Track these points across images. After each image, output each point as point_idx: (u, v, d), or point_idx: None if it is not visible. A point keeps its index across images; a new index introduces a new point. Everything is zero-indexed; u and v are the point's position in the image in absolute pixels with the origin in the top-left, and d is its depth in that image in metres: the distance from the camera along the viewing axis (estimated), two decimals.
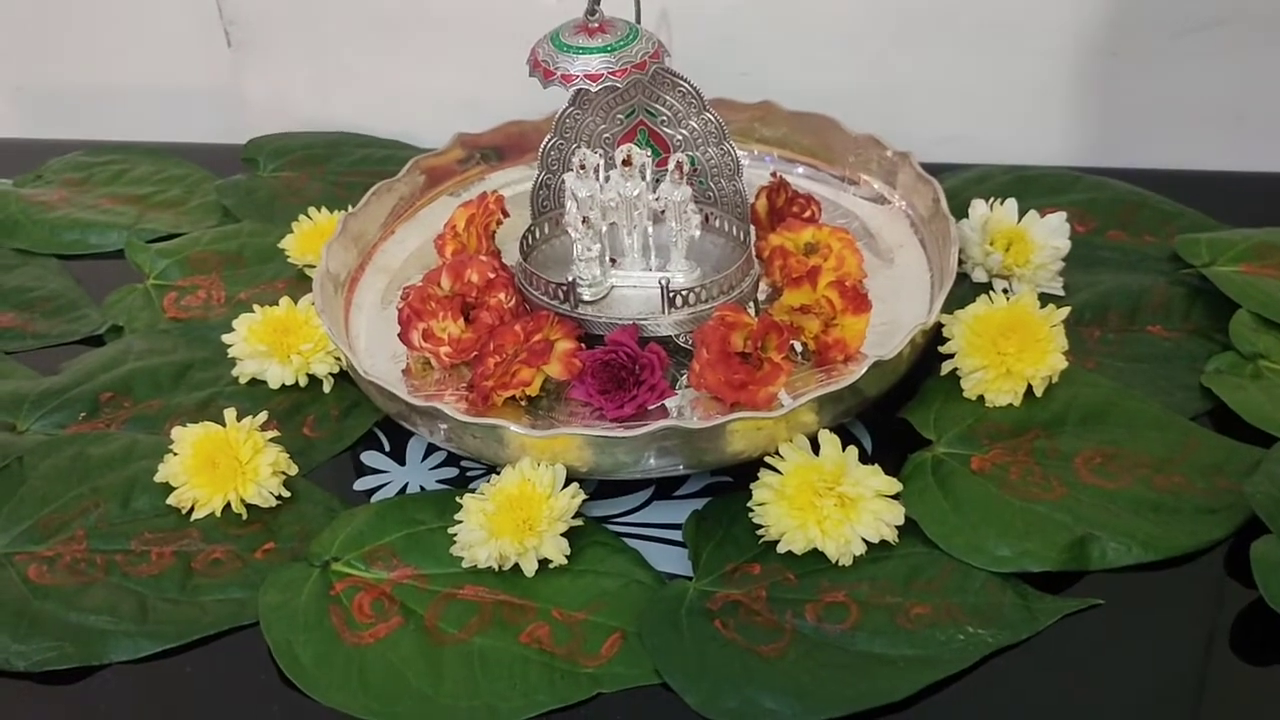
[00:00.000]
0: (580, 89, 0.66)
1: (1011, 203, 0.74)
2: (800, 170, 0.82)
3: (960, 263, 0.74)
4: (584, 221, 0.69)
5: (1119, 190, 0.82)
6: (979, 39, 0.86)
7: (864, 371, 0.62)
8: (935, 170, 0.83)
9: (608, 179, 0.69)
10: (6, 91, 1.07)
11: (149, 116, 1.00)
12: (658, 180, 0.69)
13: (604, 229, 0.70)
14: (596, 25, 0.65)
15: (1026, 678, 0.54)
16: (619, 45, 0.65)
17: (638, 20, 0.73)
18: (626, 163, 0.69)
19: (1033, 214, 0.74)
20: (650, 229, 0.70)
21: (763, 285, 0.73)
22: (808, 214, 0.76)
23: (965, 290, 0.72)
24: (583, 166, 0.69)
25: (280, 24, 0.95)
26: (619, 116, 0.72)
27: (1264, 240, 0.74)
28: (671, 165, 0.68)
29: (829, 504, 0.58)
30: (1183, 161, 0.85)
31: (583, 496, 0.61)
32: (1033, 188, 0.82)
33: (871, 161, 0.80)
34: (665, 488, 0.65)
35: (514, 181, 0.82)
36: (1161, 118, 0.86)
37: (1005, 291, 0.70)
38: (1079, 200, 0.81)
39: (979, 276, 0.74)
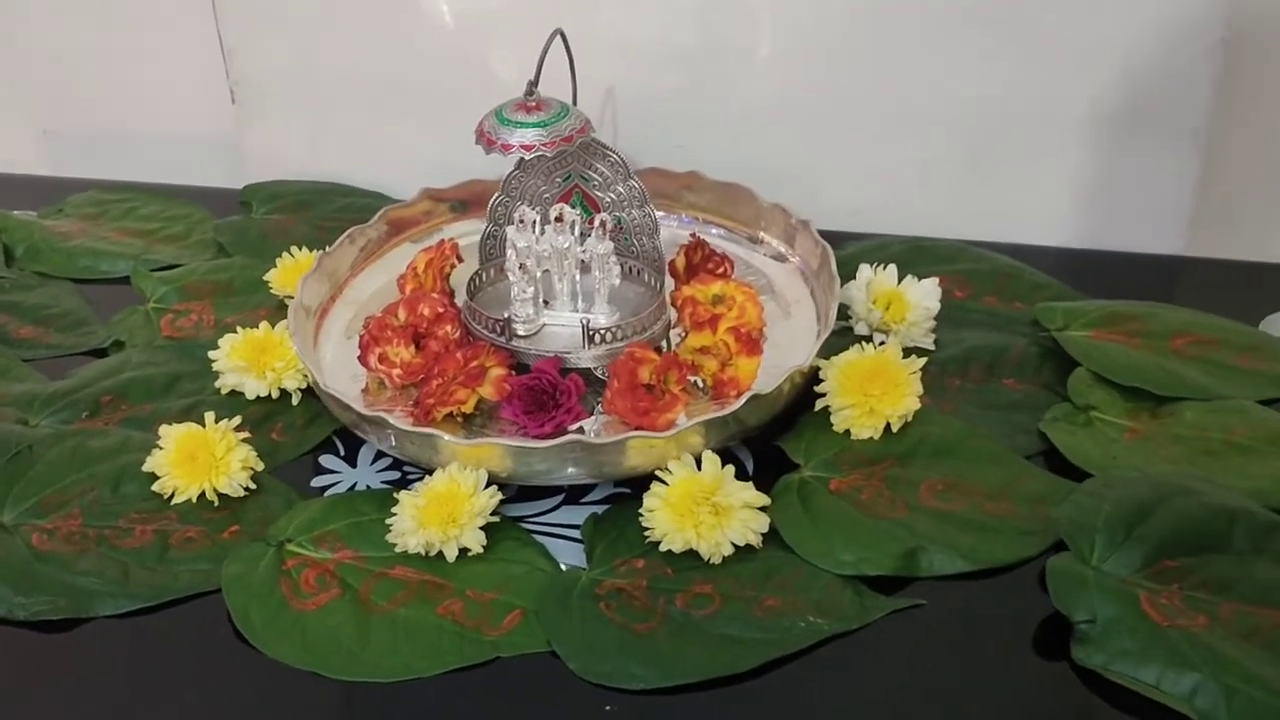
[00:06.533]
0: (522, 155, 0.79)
1: (892, 268, 0.86)
2: (718, 232, 0.94)
3: (847, 318, 0.86)
4: (521, 268, 0.81)
5: (998, 262, 0.94)
6: (885, 125, 0.98)
7: (743, 402, 0.73)
8: (844, 238, 0.96)
9: (543, 233, 0.81)
10: (35, 133, 1.19)
11: (160, 160, 1.13)
12: (586, 235, 0.81)
13: (539, 275, 0.81)
14: (534, 104, 0.78)
15: (854, 661, 0.65)
16: (551, 121, 0.77)
17: (574, 99, 0.85)
18: (559, 219, 0.80)
19: (910, 278, 0.86)
20: (578, 277, 0.82)
21: (679, 331, 0.84)
22: (721, 270, 0.88)
23: (849, 340, 0.83)
24: (522, 221, 0.81)
25: (279, 86, 1.07)
26: (557, 180, 0.84)
27: (1113, 310, 0.86)
28: (597, 223, 0.80)
29: (704, 511, 0.69)
30: (1057, 239, 0.98)
31: (500, 497, 0.72)
32: (925, 256, 0.94)
33: (776, 226, 0.92)
34: (574, 494, 0.76)
35: (471, 232, 0.94)
36: (1043, 199, 0.98)
37: (879, 343, 0.81)
38: (963, 269, 0.92)
39: (861, 330, 0.86)
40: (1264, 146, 0.94)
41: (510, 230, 0.81)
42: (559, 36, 0.80)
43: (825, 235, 0.89)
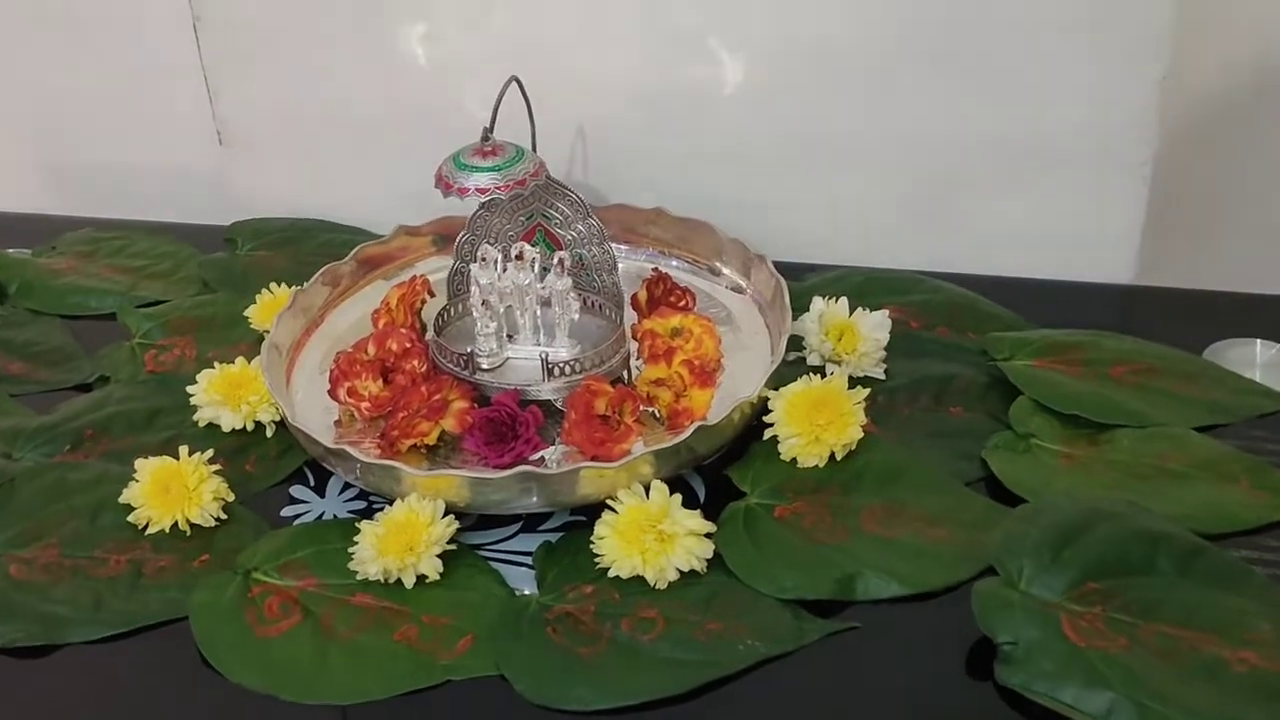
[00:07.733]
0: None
1: (844, 300, 0.89)
2: (681, 265, 0.98)
3: (801, 349, 0.89)
4: (484, 304, 0.84)
5: (952, 293, 0.97)
6: (845, 160, 1.01)
7: (690, 432, 0.76)
8: (806, 269, 0.99)
9: (505, 270, 0.84)
10: (36, 169, 1.24)
11: (151, 197, 1.18)
12: (546, 271, 0.84)
13: (501, 310, 0.85)
14: (490, 149, 0.81)
15: (789, 681, 0.68)
16: (505, 165, 0.80)
17: (534, 144, 0.88)
18: (519, 257, 0.84)
19: (861, 310, 0.88)
20: (539, 312, 0.85)
21: (640, 363, 0.87)
22: (683, 303, 0.91)
23: (802, 370, 0.86)
24: (484, 259, 0.84)
25: (263, 127, 1.12)
26: (521, 218, 0.88)
27: (1056, 340, 0.88)
28: (555, 260, 0.83)
29: (650, 538, 0.72)
30: (1011, 270, 1.00)
31: (456, 525, 0.75)
32: (881, 288, 0.96)
33: (735, 260, 0.95)
34: (533, 522, 0.79)
35: (443, 268, 0.97)
36: (998, 231, 1.01)
37: (830, 374, 0.84)
38: (917, 300, 0.95)
39: (814, 360, 0.88)
40: (1210, 178, 0.96)
41: (473, 267, 0.84)
42: (515, 83, 0.84)
43: (788, 267, 0.92)
